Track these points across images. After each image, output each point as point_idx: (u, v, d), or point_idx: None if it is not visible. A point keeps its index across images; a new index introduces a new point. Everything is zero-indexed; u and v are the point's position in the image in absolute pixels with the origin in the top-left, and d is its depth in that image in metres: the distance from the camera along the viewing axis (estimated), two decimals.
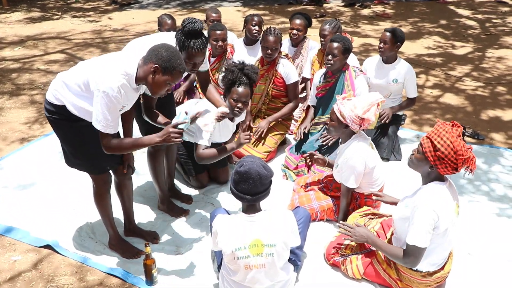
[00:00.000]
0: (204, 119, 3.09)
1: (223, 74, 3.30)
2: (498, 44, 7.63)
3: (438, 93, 5.68)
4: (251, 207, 2.43)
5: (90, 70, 2.48)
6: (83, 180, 3.64)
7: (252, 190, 2.37)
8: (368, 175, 3.10)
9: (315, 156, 3.42)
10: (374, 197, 3.04)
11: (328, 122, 3.16)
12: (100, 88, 2.38)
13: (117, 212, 3.11)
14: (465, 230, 3.22)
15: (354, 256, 2.83)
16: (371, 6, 10.43)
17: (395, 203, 2.85)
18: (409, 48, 7.23)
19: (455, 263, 2.75)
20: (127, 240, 3.09)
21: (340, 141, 3.22)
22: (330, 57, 3.72)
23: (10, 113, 5.18)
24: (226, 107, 3.15)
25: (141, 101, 2.85)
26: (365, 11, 10.02)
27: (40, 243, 3.09)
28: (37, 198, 3.60)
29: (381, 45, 4.09)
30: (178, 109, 2.96)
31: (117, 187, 3.02)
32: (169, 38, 2.85)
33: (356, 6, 10.38)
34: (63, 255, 3.00)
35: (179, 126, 2.55)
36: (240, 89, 3.18)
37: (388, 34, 4.09)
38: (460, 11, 9.89)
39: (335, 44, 3.69)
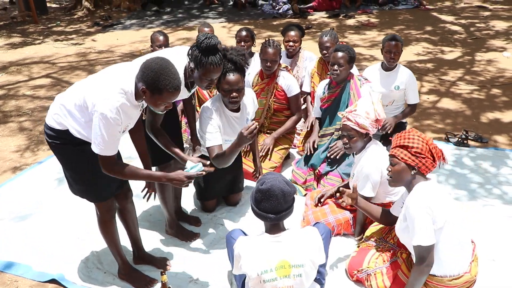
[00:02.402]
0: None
1: None
2: (486, 47, 7.70)
3: (434, 99, 5.66)
4: (274, 226, 2.30)
5: (86, 91, 2.34)
6: (85, 207, 3.46)
7: (276, 208, 2.24)
8: (385, 184, 3.00)
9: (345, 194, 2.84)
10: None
11: (345, 142, 3.05)
12: (98, 109, 2.24)
13: (124, 240, 2.94)
14: (485, 236, 3.13)
15: (379, 270, 2.72)
16: (355, 16, 10.49)
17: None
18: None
19: (480, 270, 2.64)
20: (137, 269, 2.92)
21: (354, 152, 3.12)
22: (336, 67, 3.63)
23: None
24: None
25: (144, 118, 2.71)
26: (350, 21, 10.07)
27: (45, 277, 2.90)
28: (36, 229, 3.40)
29: (392, 55, 4.00)
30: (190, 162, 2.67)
31: (120, 214, 2.85)
32: (178, 52, 2.74)
33: (341, 17, 10.43)
34: None
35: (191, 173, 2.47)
36: (229, 77, 2.94)
37: (394, 42, 3.98)
38: (443, 17, 10.00)
39: (340, 54, 3.61)
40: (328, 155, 3.71)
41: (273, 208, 2.24)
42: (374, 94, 3.12)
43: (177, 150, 2.79)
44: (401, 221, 2.51)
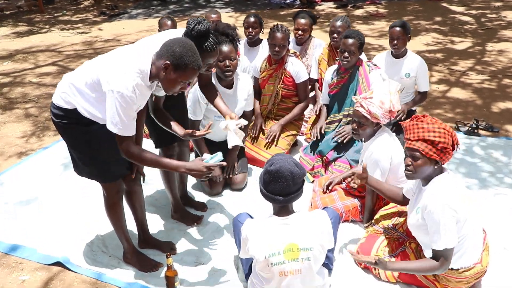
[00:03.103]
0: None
1: None
2: (497, 37, 7.57)
3: (444, 88, 5.57)
4: (283, 208, 2.25)
5: (100, 69, 2.29)
6: (90, 192, 3.46)
7: (285, 190, 2.19)
8: (394, 171, 2.95)
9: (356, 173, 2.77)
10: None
11: (354, 128, 3.00)
12: (114, 88, 2.19)
13: (130, 223, 2.90)
14: (497, 224, 3.07)
15: (387, 259, 2.65)
16: (364, 6, 10.37)
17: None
18: (408, 45, 7.12)
19: (491, 258, 2.58)
20: (143, 252, 2.89)
21: (363, 139, 3.06)
22: (346, 54, 3.56)
23: (5, 128, 4.95)
24: (237, 118, 2.79)
25: (153, 99, 2.66)
26: (358, 12, 9.95)
27: (49, 260, 2.88)
28: (41, 213, 3.38)
29: (395, 42, 3.94)
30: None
31: (127, 196, 2.81)
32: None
33: (349, 7, 10.31)
34: (75, 271, 2.79)
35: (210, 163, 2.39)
36: (222, 47, 3.07)
37: (398, 28, 3.94)
38: (454, 7, 9.86)
39: (351, 40, 3.53)
40: (335, 139, 3.65)
41: (282, 190, 2.19)
42: (393, 83, 3.01)
43: (187, 130, 2.77)
44: (418, 219, 2.37)
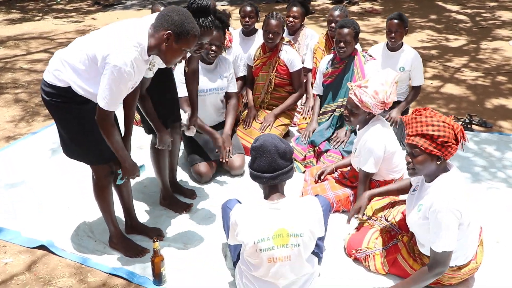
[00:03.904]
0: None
1: None
2: (492, 36, 7.59)
3: (438, 84, 5.56)
4: (273, 190, 2.19)
5: (96, 45, 2.22)
6: (77, 177, 3.40)
7: (271, 166, 2.13)
8: (388, 160, 2.91)
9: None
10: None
11: (346, 115, 2.96)
12: (112, 62, 2.13)
13: (117, 209, 2.84)
14: (490, 218, 3.03)
15: (378, 252, 2.61)
16: (359, 3, 10.34)
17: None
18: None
19: (486, 254, 2.55)
20: (129, 238, 2.83)
21: (357, 127, 3.02)
22: (342, 44, 3.51)
23: None
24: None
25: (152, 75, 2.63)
26: (354, 8, 9.93)
27: (33, 243, 2.81)
28: (27, 196, 3.30)
29: (392, 34, 3.90)
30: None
31: (114, 180, 2.74)
32: None
33: (344, 3, 10.27)
34: (59, 255, 2.72)
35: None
36: (214, 31, 3.05)
37: (396, 21, 3.90)
38: (449, 6, 9.87)
39: (346, 30, 3.49)
40: (332, 146, 3.60)
41: (268, 165, 2.13)
42: (391, 73, 2.91)
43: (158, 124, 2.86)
44: (420, 218, 2.29)
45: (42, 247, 2.79)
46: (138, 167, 2.56)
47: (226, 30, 3.34)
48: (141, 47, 2.21)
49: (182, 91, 3.28)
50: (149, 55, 2.29)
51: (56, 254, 2.73)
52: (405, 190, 2.72)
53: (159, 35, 2.20)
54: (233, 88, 3.71)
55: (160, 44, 2.22)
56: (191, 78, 3.10)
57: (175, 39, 2.20)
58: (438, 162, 2.20)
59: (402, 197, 2.88)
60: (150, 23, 2.27)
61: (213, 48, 3.38)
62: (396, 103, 4.02)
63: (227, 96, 3.71)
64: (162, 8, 4.22)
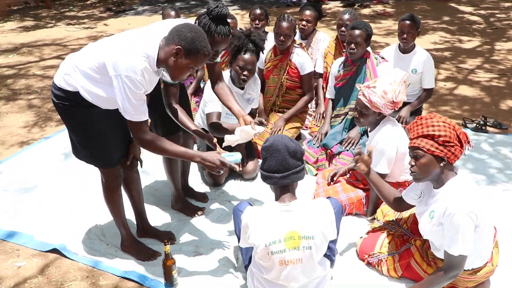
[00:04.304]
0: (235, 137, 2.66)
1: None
2: (506, 37, 7.47)
3: (451, 85, 5.48)
4: (284, 191, 2.17)
5: (106, 53, 2.22)
6: (90, 181, 3.42)
7: (281, 165, 2.12)
8: (400, 161, 2.87)
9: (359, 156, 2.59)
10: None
11: (356, 116, 2.93)
12: (122, 73, 2.13)
13: (128, 213, 2.84)
14: (505, 220, 2.97)
15: (391, 257, 2.56)
16: (371, 5, 10.29)
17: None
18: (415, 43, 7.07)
19: (501, 256, 2.49)
20: (141, 241, 2.83)
21: (368, 129, 2.99)
22: (353, 45, 3.49)
23: (7, 118, 4.92)
24: (255, 123, 2.64)
25: (162, 87, 2.59)
26: (365, 11, 9.87)
27: (46, 247, 2.83)
28: (40, 201, 3.33)
29: (404, 35, 3.86)
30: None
31: (125, 184, 2.74)
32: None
33: (356, 6, 10.22)
34: (71, 259, 2.74)
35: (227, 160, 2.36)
36: (247, 56, 3.12)
37: (408, 22, 3.86)
38: (462, 7, 9.76)
39: (357, 32, 3.46)
40: (344, 148, 3.57)
41: (279, 164, 2.12)
42: (400, 72, 2.89)
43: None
44: (434, 225, 2.24)
45: (54, 250, 2.80)
46: (217, 158, 2.34)
47: (260, 53, 3.26)
48: (150, 58, 2.22)
49: (211, 107, 3.25)
50: (158, 67, 2.28)
51: (69, 258, 2.75)
52: (390, 197, 2.60)
53: (169, 48, 2.21)
54: (255, 105, 3.63)
55: (168, 58, 2.22)
56: (222, 89, 2.84)
57: (184, 55, 2.20)
58: (442, 164, 2.16)
59: None
60: (160, 33, 2.27)
61: (245, 72, 3.24)
62: (406, 104, 3.98)
63: (249, 112, 3.60)
64: (173, 13, 4.25)
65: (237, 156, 2.42)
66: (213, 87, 2.89)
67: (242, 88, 3.38)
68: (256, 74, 3.58)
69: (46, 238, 2.90)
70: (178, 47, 2.18)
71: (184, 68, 2.25)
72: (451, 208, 2.12)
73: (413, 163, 2.21)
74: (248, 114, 3.38)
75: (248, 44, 3.16)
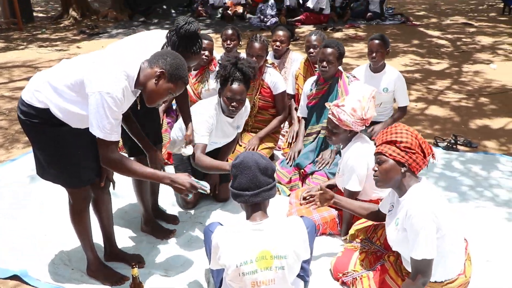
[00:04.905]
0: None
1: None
2: (472, 59, 7.73)
3: (423, 106, 5.59)
4: (255, 209, 2.11)
5: (84, 70, 2.17)
6: (54, 204, 3.30)
7: (252, 182, 2.07)
8: (371, 178, 2.84)
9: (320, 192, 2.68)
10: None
11: (328, 135, 2.95)
12: (102, 90, 2.08)
13: (96, 236, 2.73)
14: (478, 237, 2.98)
15: (365, 274, 2.53)
16: (343, 29, 10.51)
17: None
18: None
19: (474, 271, 2.48)
20: (108, 265, 2.71)
21: (341, 147, 2.99)
22: (325, 63, 3.51)
23: None
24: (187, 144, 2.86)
25: (138, 108, 2.49)
26: (338, 34, 10.08)
27: (5, 274, 2.67)
28: (2, 224, 3.17)
29: (374, 54, 3.92)
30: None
31: (94, 204, 2.64)
32: (160, 36, 2.61)
33: (328, 30, 10.43)
34: (33, 286, 2.59)
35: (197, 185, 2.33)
36: (234, 86, 2.94)
37: (377, 41, 3.93)
38: (430, 32, 10.09)
39: (330, 50, 3.49)
40: (317, 168, 3.55)
41: (250, 182, 2.07)
42: (368, 89, 2.92)
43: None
44: (398, 231, 2.24)
45: (15, 277, 2.65)
46: (187, 181, 2.31)
47: (249, 82, 3.10)
48: (129, 78, 2.18)
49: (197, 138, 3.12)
50: (135, 88, 2.24)
51: (30, 285, 2.60)
52: (368, 212, 2.66)
53: (152, 71, 2.19)
54: (240, 128, 3.51)
55: (148, 80, 2.19)
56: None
57: (167, 79, 2.20)
58: (403, 170, 2.21)
59: None
60: (140, 53, 2.26)
61: (233, 103, 3.00)
62: (375, 123, 4.01)
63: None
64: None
65: (205, 185, 2.38)
66: (180, 105, 2.90)
67: (232, 117, 3.18)
68: (210, 80, 3.57)
69: (6, 264, 2.74)
70: (162, 70, 2.18)
71: (163, 93, 2.24)
72: (411, 210, 2.15)
73: (376, 168, 2.28)
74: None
75: (235, 73, 2.96)
